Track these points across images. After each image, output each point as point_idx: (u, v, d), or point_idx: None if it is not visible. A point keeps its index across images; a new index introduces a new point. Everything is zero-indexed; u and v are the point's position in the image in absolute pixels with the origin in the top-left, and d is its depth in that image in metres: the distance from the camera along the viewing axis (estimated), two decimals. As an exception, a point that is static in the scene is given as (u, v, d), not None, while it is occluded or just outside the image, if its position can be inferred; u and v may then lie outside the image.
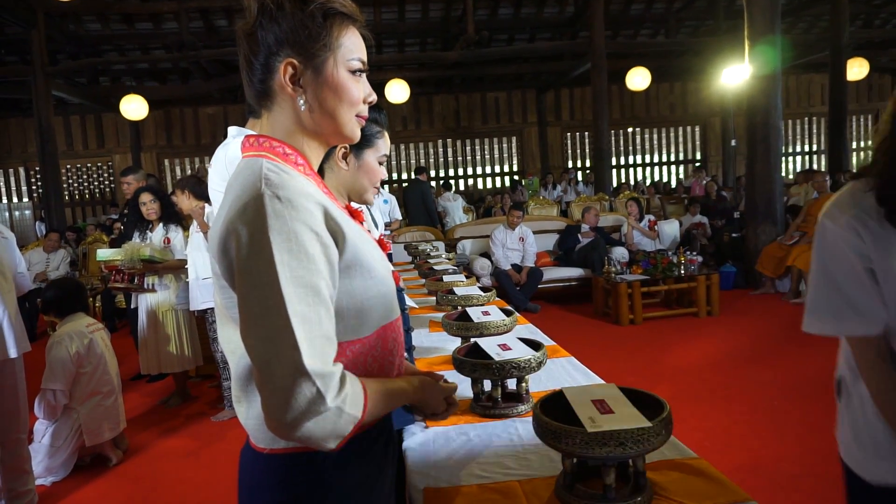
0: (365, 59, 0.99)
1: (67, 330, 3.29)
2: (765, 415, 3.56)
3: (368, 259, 0.94)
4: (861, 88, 15.13)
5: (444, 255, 4.44)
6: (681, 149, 16.06)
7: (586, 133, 15.14)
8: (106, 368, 3.41)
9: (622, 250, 7.12)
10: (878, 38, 12.94)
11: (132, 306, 4.60)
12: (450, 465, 1.33)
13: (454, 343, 2.13)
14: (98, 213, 14.04)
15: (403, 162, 15.12)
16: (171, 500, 3.03)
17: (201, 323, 4.34)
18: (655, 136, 15.88)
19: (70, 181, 14.36)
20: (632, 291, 5.86)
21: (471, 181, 15.49)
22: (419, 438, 1.48)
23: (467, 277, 3.09)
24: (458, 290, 2.60)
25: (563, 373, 1.90)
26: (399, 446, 1.45)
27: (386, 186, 13.03)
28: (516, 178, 14.31)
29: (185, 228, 4.42)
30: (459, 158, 15.40)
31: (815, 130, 16.09)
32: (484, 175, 15.55)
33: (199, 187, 3.82)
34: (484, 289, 2.64)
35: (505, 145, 15.49)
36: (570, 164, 15.30)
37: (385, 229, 5.58)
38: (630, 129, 15.71)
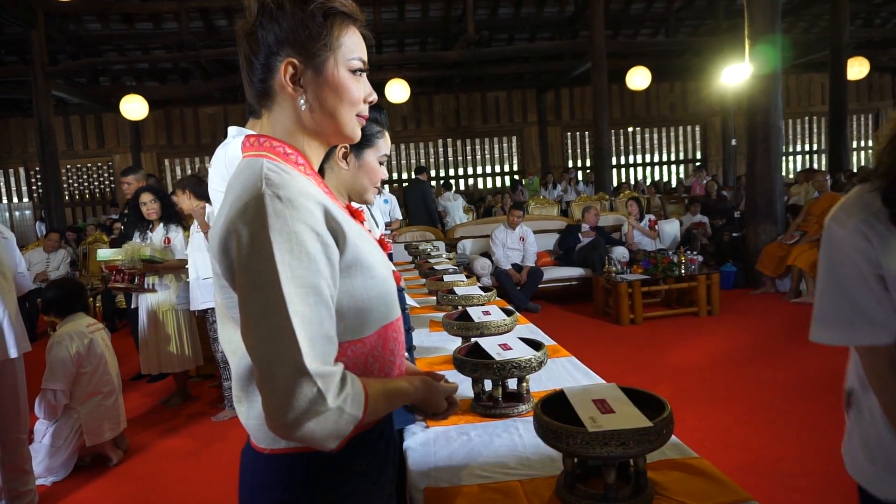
0: (365, 58, 0.99)
1: (68, 330, 3.29)
2: (765, 414, 3.56)
3: (369, 259, 0.94)
4: (861, 88, 15.13)
5: (444, 255, 4.44)
6: (681, 148, 16.06)
7: (586, 132, 15.15)
8: (106, 368, 3.41)
9: (622, 250, 7.12)
10: (878, 38, 12.94)
11: (132, 306, 4.60)
12: (450, 465, 1.33)
13: (455, 343, 2.13)
14: (98, 213, 14.05)
15: (403, 162, 15.12)
16: (171, 500, 3.03)
17: (202, 323, 4.34)
18: (656, 136, 15.88)
19: (70, 181, 14.37)
20: (632, 291, 5.86)
21: (471, 181, 15.49)
22: (420, 438, 1.48)
23: (468, 277, 3.09)
24: (459, 290, 2.60)
25: (563, 373, 1.90)
26: (400, 446, 1.45)
27: (386, 186, 13.02)
28: (516, 177, 14.31)
29: (186, 228, 4.42)
30: (460, 158, 15.40)
31: (815, 130, 16.09)
32: (484, 175, 15.55)
33: (199, 187, 3.82)
34: (484, 288, 2.63)
35: (505, 145, 15.49)
36: (570, 164, 15.30)
37: (385, 229, 5.58)
38: (630, 129, 15.71)
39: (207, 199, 3.52)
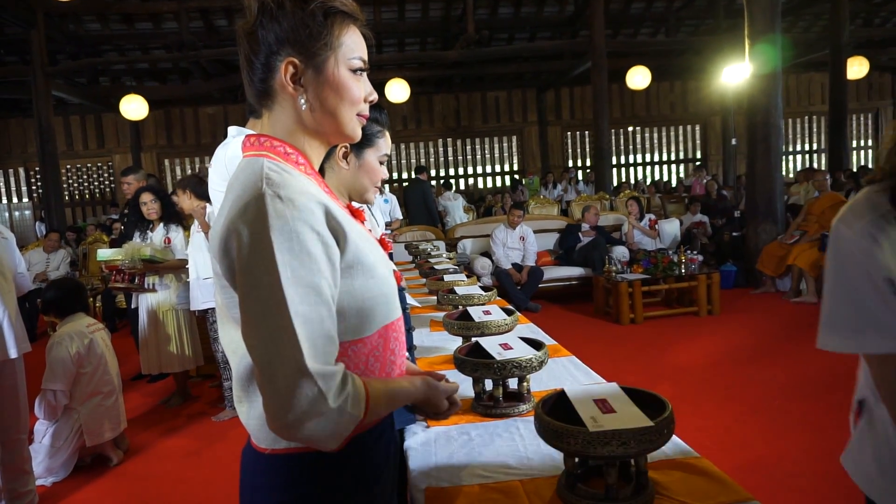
0: (366, 57, 0.99)
1: (68, 330, 3.29)
2: (766, 414, 3.56)
3: (370, 258, 0.94)
4: (861, 87, 15.14)
5: (444, 255, 4.44)
6: (681, 148, 16.06)
7: (586, 132, 15.15)
8: (106, 368, 3.41)
9: (623, 249, 7.12)
10: (878, 37, 12.94)
11: (132, 306, 4.60)
12: (451, 465, 1.33)
13: (455, 342, 2.13)
14: (98, 214, 14.05)
15: (404, 161, 15.12)
16: (172, 501, 3.03)
17: (202, 322, 4.34)
18: (656, 135, 15.88)
19: (70, 181, 14.37)
20: (632, 290, 5.85)
21: (471, 180, 15.49)
22: (420, 438, 1.47)
23: (468, 277, 3.09)
24: (459, 290, 2.60)
25: (564, 372, 1.90)
26: (400, 446, 1.45)
27: (386, 186, 13.03)
28: (517, 177, 14.31)
29: (186, 228, 4.42)
30: (460, 158, 15.40)
31: (815, 129, 16.09)
32: (484, 174, 15.55)
33: (200, 187, 3.82)
34: (485, 288, 2.63)
35: (505, 144, 15.49)
36: (570, 164, 15.30)
37: (386, 229, 5.58)
38: (630, 128, 15.71)
39: (208, 199, 3.52)
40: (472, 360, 1.52)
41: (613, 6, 11.72)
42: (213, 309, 3.85)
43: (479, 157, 15.48)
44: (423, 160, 15.07)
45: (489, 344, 1.61)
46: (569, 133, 15.51)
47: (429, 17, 11.80)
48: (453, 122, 15.05)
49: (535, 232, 7.23)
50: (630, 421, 1.06)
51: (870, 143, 16.20)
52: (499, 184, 15.28)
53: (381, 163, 1.56)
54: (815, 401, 3.67)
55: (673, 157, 16.07)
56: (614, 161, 14.92)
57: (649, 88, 12.29)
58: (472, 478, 1.27)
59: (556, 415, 1.13)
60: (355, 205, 1.53)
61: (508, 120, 15.24)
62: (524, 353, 1.55)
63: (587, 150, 15.40)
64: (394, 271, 1.07)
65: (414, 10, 11.62)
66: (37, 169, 13.02)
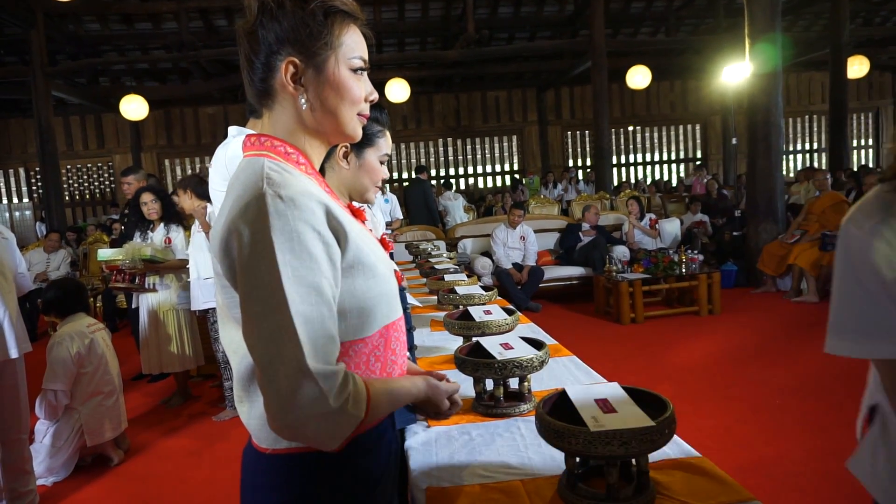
0: (366, 57, 0.99)
1: (68, 330, 3.29)
2: (767, 413, 3.55)
3: (371, 258, 0.94)
4: (861, 86, 15.13)
5: (445, 255, 4.44)
6: (681, 147, 16.05)
7: (587, 132, 15.15)
8: (107, 368, 3.41)
9: (623, 249, 7.12)
10: (878, 36, 12.93)
11: (133, 306, 4.60)
12: (452, 465, 1.33)
13: (456, 342, 2.12)
14: (98, 214, 14.06)
15: (404, 161, 15.12)
16: (172, 500, 3.03)
17: (202, 322, 4.34)
18: (656, 135, 15.88)
19: (70, 181, 14.37)
20: (633, 290, 5.85)
21: (471, 180, 15.49)
22: (421, 438, 1.47)
23: (468, 276, 3.09)
24: (460, 290, 2.60)
25: (565, 372, 1.90)
26: (401, 446, 1.45)
27: (387, 186, 13.03)
28: (517, 176, 14.31)
29: (187, 228, 4.42)
30: (460, 157, 15.40)
31: (815, 128, 16.09)
32: (484, 174, 15.55)
33: (201, 187, 3.82)
34: (485, 288, 2.63)
35: (505, 144, 15.49)
36: (570, 163, 15.30)
37: (386, 228, 5.58)
38: (631, 128, 15.70)
39: (209, 199, 3.52)
40: (473, 359, 1.52)
41: (613, 5, 11.72)
42: (213, 309, 3.85)
43: (479, 156, 15.48)
44: (423, 160, 15.07)
45: (490, 344, 1.61)
46: (569, 132, 15.51)
47: (429, 17, 11.80)
48: (453, 122, 15.05)
49: (535, 231, 7.23)
50: (631, 421, 1.06)
51: (870, 142, 16.20)
52: (499, 183, 15.28)
53: (382, 162, 1.56)
54: (816, 400, 3.67)
55: (673, 157, 16.07)
56: (614, 161, 14.92)
57: (649, 88, 12.29)
58: (473, 477, 1.26)
59: (557, 414, 1.13)
60: (356, 204, 1.53)
61: (509, 119, 15.24)
62: (525, 352, 1.55)
63: (587, 149, 15.39)
64: (395, 271, 1.07)
65: (414, 9, 11.62)
66: (37, 169, 13.03)
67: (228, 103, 14.12)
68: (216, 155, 2.38)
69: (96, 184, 14.59)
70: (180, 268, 4.26)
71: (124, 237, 4.67)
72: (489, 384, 1.63)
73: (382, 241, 1.19)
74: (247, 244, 0.82)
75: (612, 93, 13.26)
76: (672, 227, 7.91)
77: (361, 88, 0.98)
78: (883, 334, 0.95)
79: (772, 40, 6.70)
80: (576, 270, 7.02)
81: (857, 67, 10.24)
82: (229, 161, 2.25)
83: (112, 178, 14.32)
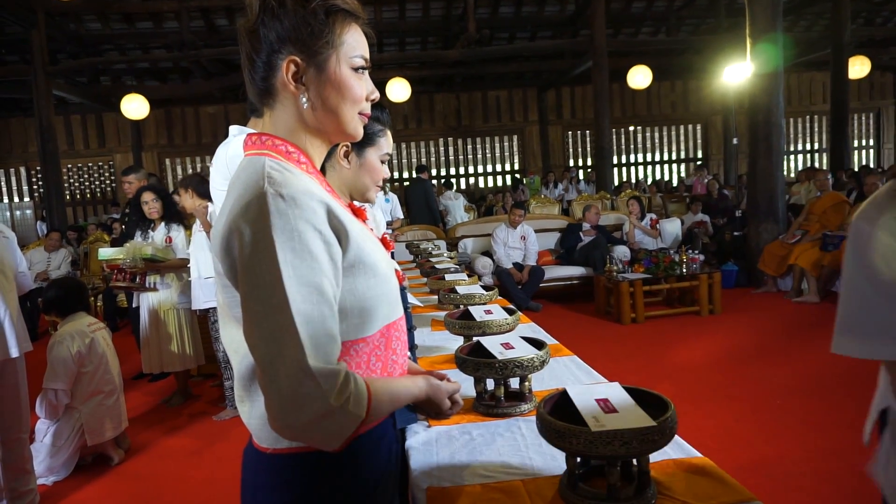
0: (367, 56, 0.99)
1: (69, 329, 3.29)
2: (768, 413, 3.55)
3: (372, 258, 0.94)
4: (863, 86, 15.12)
5: (445, 254, 4.44)
6: (682, 147, 16.05)
7: (587, 131, 15.14)
8: (107, 368, 3.41)
9: (624, 249, 7.12)
10: (879, 36, 12.92)
11: (134, 305, 4.61)
12: (453, 465, 1.32)
13: (456, 342, 2.12)
14: (99, 213, 14.06)
15: (405, 161, 15.12)
16: (173, 500, 3.03)
17: (203, 321, 4.34)
18: (657, 135, 15.87)
19: (71, 181, 14.37)
20: (634, 290, 5.85)
21: (472, 180, 15.49)
22: (422, 438, 1.47)
23: (469, 276, 3.09)
24: (460, 289, 2.60)
25: (566, 372, 1.89)
26: (402, 445, 1.44)
27: (387, 185, 13.03)
28: (517, 176, 14.31)
29: (188, 227, 4.42)
30: (461, 157, 15.40)
31: (816, 129, 16.08)
32: (485, 174, 15.55)
33: (202, 186, 3.82)
34: (486, 287, 2.63)
35: (506, 144, 15.49)
36: (571, 163, 15.30)
37: (387, 228, 5.58)
38: (631, 128, 15.70)
39: (210, 199, 3.52)
40: (474, 359, 1.52)
41: (614, 5, 11.72)
42: (214, 308, 3.85)
43: (479, 156, 15.48)
44: (424, 159, 15.07)
45: (490, 343, 1.61)
46: (570, 132, 15.50)
47: (430, 17, 11.80)
48: (454, 122, 15.05)
49: (536, 231, 7.23)
50: (632, 421, 1.06)
51: (871, 142, 16.19)
52: (500, 183, 15.28)
53: (383, 162, 1.56)
54: (816, 400, 3.66)
55: (674, 157, 16.06)
56: (615, 160, 14.92)
57: (650, 88, 12.27)
58: (474, 477, 1.26)
59: (558, 414, 1.12)
60: (357, 204, 1.53)
61: (509, 119, 15.24)
62: (526, 352, 1.54)
63: (588, 149, 15.39)
64: (395, 270, 1.07)
65: (415, 9, 11.62)
66: (38, 168, 13.03)
67: (229, 102, 14.12)
68: (217, 154, 2.38)
69: (97, 183, 14.60)
70: (181, 267, 4.26)
71: (125, 236, 4.67)
72: (490, 384, 1.63)
73: (383, 241, 1.19)
74: (248, 243, 0.82)
75: (612, 93, 13.25)
76: (673, 227, 7.91)
77: (363, 87, 0.98)
78: (891, 335, 0.91)
79: (773, 40, 6.69)
80: (576, 270, 7.02)
81: (859, 68, 10.23)
82: (230, 160, 2.24)
83: (113, 178, 14.32)
